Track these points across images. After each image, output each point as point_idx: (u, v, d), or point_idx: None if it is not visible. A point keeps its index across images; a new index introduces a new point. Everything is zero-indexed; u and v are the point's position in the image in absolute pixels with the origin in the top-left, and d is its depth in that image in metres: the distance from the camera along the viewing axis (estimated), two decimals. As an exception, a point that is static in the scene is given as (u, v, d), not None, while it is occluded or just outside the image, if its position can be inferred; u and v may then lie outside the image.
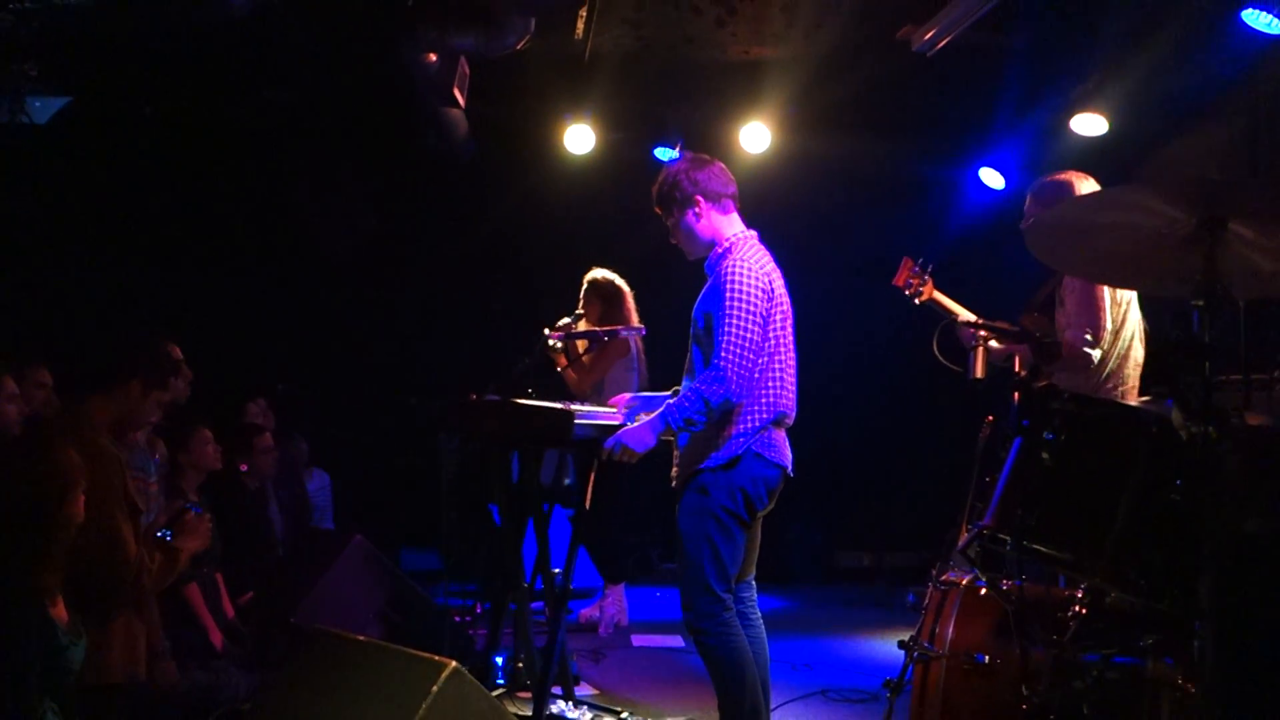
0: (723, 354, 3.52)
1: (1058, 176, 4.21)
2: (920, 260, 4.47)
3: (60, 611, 3.03)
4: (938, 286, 4.56)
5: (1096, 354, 3.91)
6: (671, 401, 3.63)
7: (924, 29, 6.17)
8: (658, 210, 3.90)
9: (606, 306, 6.14)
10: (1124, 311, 4.06)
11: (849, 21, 6.38)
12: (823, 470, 8.19)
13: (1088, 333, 3.92)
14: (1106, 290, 3.97)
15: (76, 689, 3.17)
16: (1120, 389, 4.11)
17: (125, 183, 7.33)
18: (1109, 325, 3.98)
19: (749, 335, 3.54)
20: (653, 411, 3.72)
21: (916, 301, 4.46)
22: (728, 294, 3.57)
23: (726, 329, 3.54)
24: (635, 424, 3.70)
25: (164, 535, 3.82)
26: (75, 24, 5.89)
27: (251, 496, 5.74)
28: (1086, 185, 4.13)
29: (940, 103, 7.15)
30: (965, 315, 4.39)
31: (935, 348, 2.92)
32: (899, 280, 4.39)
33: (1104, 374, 4.04)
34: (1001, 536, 2.59)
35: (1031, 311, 4.84)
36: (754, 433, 3.62)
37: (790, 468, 3.73)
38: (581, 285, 6.20)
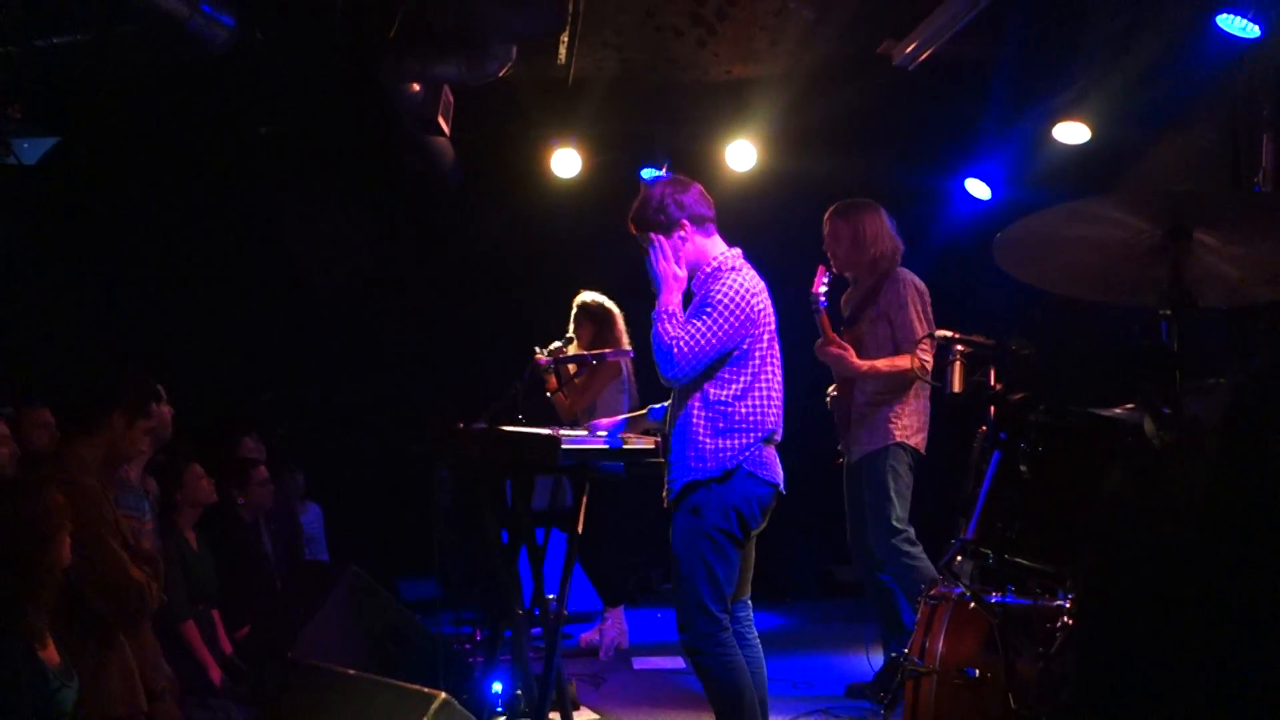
0: (681, 342, 3.54)
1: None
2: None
3: (50, 653, 3.03)
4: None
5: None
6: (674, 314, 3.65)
7: (904, 43, 6.21)
8: (632, 228, 3.85)
9: (597, 329, 6.14)
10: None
11: (830, 39, 6.41)
12: (821, 485, 8.15)
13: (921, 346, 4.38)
14: (916, 300, 4.54)
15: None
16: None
17: (115, 220, 7.36)
18: (924, 331, 4.43)
19: (708, 344, 3.55)
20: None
21: None
22: (708, 306, 3.59)
23: (694, 329, 3.56)
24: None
25: None
26: (59, 65, 5.94)
27: (248, 530, 5.75)
28: (880, 215, 4.91)
29: (924, 116, 7.17)
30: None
31: (912, 363, 2.93)
32: None
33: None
34: (984, 550, 2.59)
35: (851, 326, 5.04)
36: (745, 449, 3.61)
37: (782, 485, 3.72)
38: (571, 309, 6.21)
